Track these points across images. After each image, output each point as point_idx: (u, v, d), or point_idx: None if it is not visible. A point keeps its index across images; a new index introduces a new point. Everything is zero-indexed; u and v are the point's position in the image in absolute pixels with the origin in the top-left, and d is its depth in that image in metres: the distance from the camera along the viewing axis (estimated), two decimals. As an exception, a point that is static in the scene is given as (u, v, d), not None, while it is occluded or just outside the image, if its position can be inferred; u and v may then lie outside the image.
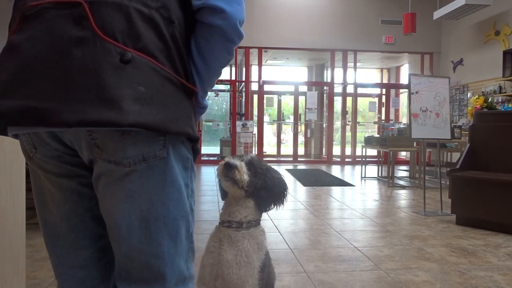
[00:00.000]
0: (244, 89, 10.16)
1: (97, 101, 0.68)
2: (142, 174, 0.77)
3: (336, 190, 5.72)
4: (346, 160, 10.27)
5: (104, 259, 0.90)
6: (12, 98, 0.69)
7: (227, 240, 1.30)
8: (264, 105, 10.44)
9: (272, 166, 1.45)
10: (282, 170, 8.43)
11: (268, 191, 1.34)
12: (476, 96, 7.95)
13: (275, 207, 1.37)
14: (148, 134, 0.75)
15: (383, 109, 11.29)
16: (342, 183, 6.52)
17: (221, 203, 5.20)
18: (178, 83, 0.79)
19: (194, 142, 0.84)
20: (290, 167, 9.25)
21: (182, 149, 0.82)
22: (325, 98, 11.20)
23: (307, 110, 10.17)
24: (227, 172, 1.28)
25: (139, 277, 0.80)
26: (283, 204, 1.38)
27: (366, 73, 13.05)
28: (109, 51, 0.70)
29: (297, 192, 5.53)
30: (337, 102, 11.08)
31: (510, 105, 7.43)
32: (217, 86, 10.55)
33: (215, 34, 0.83)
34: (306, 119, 11.19)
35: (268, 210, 1.37)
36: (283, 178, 1.41)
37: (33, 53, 0.71)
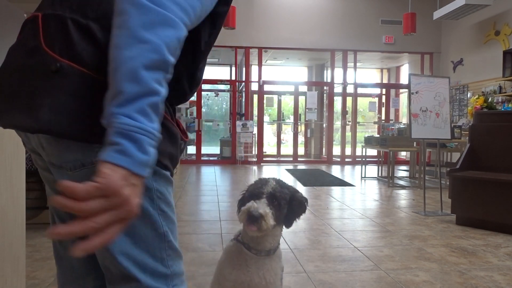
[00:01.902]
0: (244, 89, 10.16)
1: (24, 107, 0.75)
2: (87, 177, 0.77)
3: (336, 190, 5.72)
4: (346, 160, 10.27)
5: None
6: None
7: (254, 262, 1.30)
8: (264, 105, 10.44)
9: (293, 185, 1.39)
10: (282, 170, 8.44)
11: (293, 213, 1.33)
12: (476, 96, 7.95)
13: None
14: (79, 143, 0.78)
15: (383, 109, 11.30)
16: (342, 183, 6.52)
17: (221, 203, 5.15)
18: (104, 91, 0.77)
19: None
20: (290, 167, 9.25)
21: None
22: (325, 98, 11.21)
23: (307, 110, 10.18)
24: (251, 222, 1.21)
25: (117, 275, 0.84)
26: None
27: (366, 73, 13.06)
28: (45, 61, 0.75)
29: (297, 192, 5.53)
30: (337, 102, 11.08)
31: (510, 105, 7.43)
32: (217, 86, 10.56)
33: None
34: (306, 119, 11.19)
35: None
36: (301, 194, 1.38)
37: (8, 60, 0.82)
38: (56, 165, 0.81)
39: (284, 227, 1.36)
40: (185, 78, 0.88)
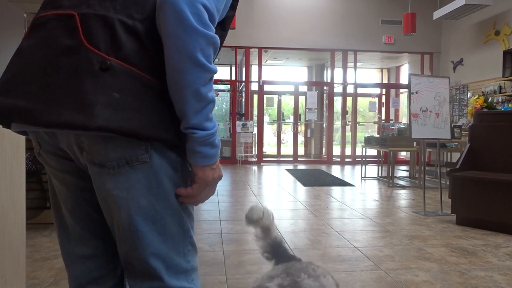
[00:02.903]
0: (244, 89, 10.16)
1: (73, 105, 0.75)
2: (127, 177, 0.82)
3: (336, 190, 5.73)
4: (346, 160, 10.27)
5: (111, 251, 0.96)
6: (7, 96, 0.78)
7: None
8: (264, 105, 10.44)
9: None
10: (282, 170, 8.44)
11: None
12: (476, 96, 7.95)
13: None
14: (129, 140, 0.80)
15: (383, 109, 11.29)
16: (342, 183, 6.52)
17: (221, 203, 5.14)
18: (159, 90, 0.81)
19: (176, 147, 0.86)
20: (290, 167, 9.25)
21: (168, 152, 0.85)
22: (325, 98, 11.20)
23: (307, 110, 10.17)
24: None
25: (140, 272, 0.87)
26: None
27: (366, 73, 13.05)
28: (91, 60, 0.77)
29: (297, 192, 5.54)
30: (337, 102, 11.08)
31: (510, 105, 7.43)
32: (217, 86, 10.55)
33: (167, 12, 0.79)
34: (306, 119, 11.19)
35: None
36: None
37: (32, 58, 0.80)
38: (98, 164, 0.82)
39: None
40: None
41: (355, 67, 10.22)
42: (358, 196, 5.26)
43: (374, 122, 11.20)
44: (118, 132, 0.76)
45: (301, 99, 11.39)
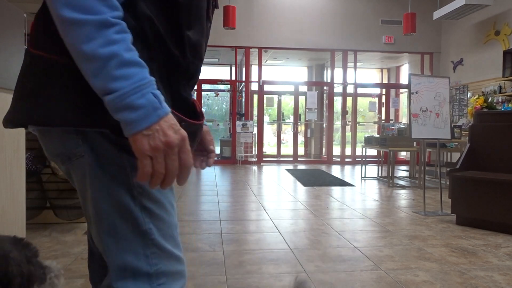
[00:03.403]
0: (244, 89, 10.16)
1: (12, 105, 0.78)
2: (75, 173, 0.80)
3: (336, 190, 5.73)
4: (346, 160, 10.27)
5: None
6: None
7: None
8: (264, 105, 10.44)
9: None
10: (282, 170, 8.44)
11: None
12: (476, 96, 7.95)
13: None
14: (57, 132, 0.76)
15: (383, 109, 11.29)
16: (342, 183, 6.52)
17: (221, 203, 5.15)
18: (73, 70, 0.70)
19: (115, 134, 0.73)
20: (290, 167, 9.25)
21: (106, 145, 0.76)
22: (325, 98, 11.21)
23: (307, 110, 10.18)
24: None
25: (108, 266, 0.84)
26: None
27: (366, 73, 13.05)
28: (25, 57, 0.78)
29: (297, 192, 5.54)
30: (337, 102, 11.08)
31: (510, 105, 7.43)
32: (217, 86, 10.55)
33: None
34: (306, 119, 11.19)
35: None
36: None
37: None
38: (51, 158, 0.82)
39: None
40: (168, 38, 0.77)
41: (355, 67, 10.22)
42: (358, 196, 5.26)
43: (374, 122, 11.21)
44: (35, 124, 0.75)
45: (301, 99, 11.39)
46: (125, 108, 0.65)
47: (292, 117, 11.80)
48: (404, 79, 12.01)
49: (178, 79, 0.82)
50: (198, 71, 0.88)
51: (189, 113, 0.84)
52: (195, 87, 1.08)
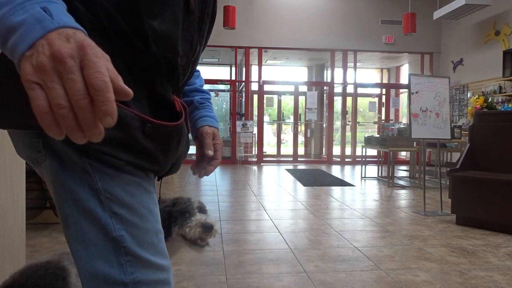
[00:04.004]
0: (244, 89, 10.16)
1: None
2: (43, 176, 0.77)
3: (336, 190, 5.72)
4: (346, 160, 10.27)
5: None
6: None
7: None
8: (264, 105, 10.44)
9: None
10: (282, 170, 8.44)
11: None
12: (476, 96, 7.95)
13: None
14: (20, 134, 0.73)
15: (383, 109, 11.30)
16: (342, 183, 6.52)
17: (221, 203, 5.13)
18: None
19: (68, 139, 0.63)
20: (290, 167, 9.25)
21: (66, 148, 0.70)
22: (325, 98, 11.21)
23: (307, 110, 10.18)
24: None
25: (79, 274, 0.80)
26: None
27: (366, 73, 13.05)
28: None
29: (297, 192, 5.53)
30: (337, 102, 11.08)
31: (510, 105, 7.43)
32: (217, 86, 10.56)
33: None
34: (306, 119, 11.19)
35: None
36: None
37: None
38: (24, 158, 0.80)
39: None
40: (128, 28, 0.68)
41: (355, 67, 10.22)
42: (358, 196, 5.26)
43: (374, 122, 11.21)
44: None
45: (301, 99, 11.39)
46: (6, 34, 0.47)
47: (292, 117, 11.80)
48: (404, 79, 12.02)
49: (150, 74, 0.74)
50: (176, 66, 0.77)
51: (165, 112, 0.76)
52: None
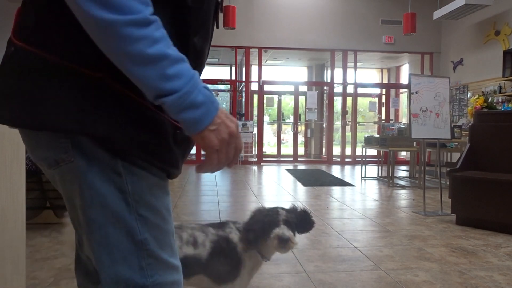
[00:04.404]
0: (244, 89, 10.16)
1: None
2: (62, 178, 0.75)
3: (336, 190, 5.72)
4: (346, 160, 10.27)
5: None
6: None
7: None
8: (264, 105, 10.44)
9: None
10: (282, 170, 8.44)
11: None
12: (476, 96, 7.95)
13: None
14: (46, 135, 0.72)
15: (383, 109, 11.30)
16: (342, 183, 6.52)
17: (221, 203, 5.13)
18: (64, 71, 0.68)
19: (112, 143, 0.70)
20: (290, 167, 9.25)
21: (98, 150, 0.71)
22: (325, 98, 11.21)
23: (307, 110, 10.18)
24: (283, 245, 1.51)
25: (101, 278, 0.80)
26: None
27: (366, 73, 13.05)
28: (9, 49, 0.71)
29: (297, 192, 5.53)
30: (337, 102, 11.08)
31: (510, 105, 7.43)
32: (217, 86, 10.56)
33: None
34: (306, 119, 11.19)
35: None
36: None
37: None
38: (36, 161, 0.78)
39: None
40: (176, 44, 0.72)
41: (355, 67, 10.22)
42: (358, 196, 5.26)
43: (374, 122, 11.21)
44: (4, 123, 0.70)
45: (301, 99, 11.39)
46: (188, 107, 0.65)
47: (292, 117, 11.80)
48: (404, 79, 12.01)
49: None
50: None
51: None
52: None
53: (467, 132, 4.72)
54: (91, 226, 0.74)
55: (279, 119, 11.95)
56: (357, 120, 10.37)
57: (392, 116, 11.21)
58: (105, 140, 0.70)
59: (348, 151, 10.38)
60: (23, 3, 0.73)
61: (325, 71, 12.19)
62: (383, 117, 11.15)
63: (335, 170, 8.53)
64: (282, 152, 11.91)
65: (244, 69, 10.24)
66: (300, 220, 1.64)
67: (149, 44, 0.61)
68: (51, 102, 0.67)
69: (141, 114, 0.72)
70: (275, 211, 1.59)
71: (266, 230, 1.52)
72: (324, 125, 11.46)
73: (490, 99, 7.59)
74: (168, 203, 0.81)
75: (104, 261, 0.75)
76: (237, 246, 1.55)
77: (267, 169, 8.60)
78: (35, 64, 0.68)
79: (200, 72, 0.85)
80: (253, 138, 9.55)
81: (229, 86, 10.41)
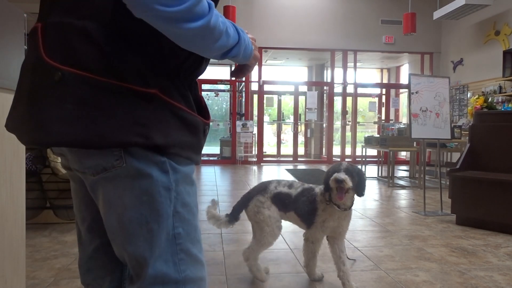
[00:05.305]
0: (244, 89, 10.16)
1: (33, 123, 0.75)
2: (111, 181, 0.80)
3: (336, 190, 5.71)
4: (346, 160, 10.26)
5: (110, 253, 0.93)
6: (8, 117, 0.85)
7: (340, 214, 2.14)
8: (264, 105, 10.43)
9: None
10: (282, 170, 8.43)
11: (360, 185, 2.07)
12: (476, 96, 7.95)
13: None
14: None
15: (383, 109, 11.29)
16: (342, 183, 6.51)
17: (221, 203, 5.14)
18: (121, 91, 0.74)
19: (156, 147, 0.77)
20: (290, 167, 9.25)
21: (148, 154, 0.78)
22: (325, 98, 11.20)
23: (307, 110, 10.17)
24: (340, 190, 1.99)
25: (133, 276, 0.84)
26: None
27: (366, 73, 13.05)
28: (47, 72, 0.74)
29: (297, 192, 5.52)
30: (337, 102, 11.08)
31: (510, 105, 7.43)
32: (217, 86, 10.56)
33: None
34: (306, 119, 11.19)
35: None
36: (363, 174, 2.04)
37: (20, 80, 0.82)
38: (79, 171, 0.82)
39: (356, 195, 2.09)
40: None
41: (355, 67, 10.22)
42: (358, 196, 5.26)
43: (374, 122, 11.21)
44: (73, 146, 0.74)
45: (301, 99, 11.39)
46: (246, 55, 0.88)
47: (292, 117, 11.80)
48: (404, 79, 12.01)
49: (194, 79, 0.89)
50: None
51: (204, 113, 0.89)
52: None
53: (467, 132, 4.72)
54: (138, 222, 0.79)
55: (279, 119, 11.95)
56: (357, 120, 10.36)
57: (392, 116, 11.21)
58: (161, 147, 0.77)
59: (348, 151, 10.38)
60: (61, 27, 0.75)
61: (325, 71, 12.19)
62: (383, 117, 11.15)
63: (335, 170, 8.52)
64: (282, 152, 11.91)
65: (244, 69, 10.23)
66: (358, 182, 2.00)
67: (229, 33, 0.81)
68: (114, 121, 0.73)
69: (186, 120, 0.80)
70: (340, 163, 1.99)
71: (330, 175, 1.95)
72: (324, 125, 11.46)
73: (490, 99, 7.58)
74: (196, 201, 0.87)
75: (146, 257, 0.79)
76: (317, 195, 2.08)
77: (267, 169, 8.60)
78: (93, 88, 0.73)
79: (204, 69, 0.92)
80: (253, 138, 9.55)
81: (229, 86, 10.40)
